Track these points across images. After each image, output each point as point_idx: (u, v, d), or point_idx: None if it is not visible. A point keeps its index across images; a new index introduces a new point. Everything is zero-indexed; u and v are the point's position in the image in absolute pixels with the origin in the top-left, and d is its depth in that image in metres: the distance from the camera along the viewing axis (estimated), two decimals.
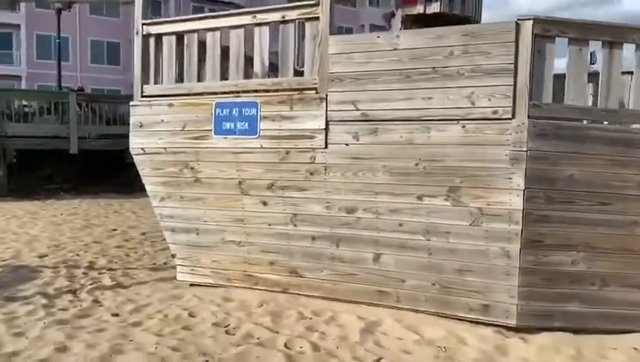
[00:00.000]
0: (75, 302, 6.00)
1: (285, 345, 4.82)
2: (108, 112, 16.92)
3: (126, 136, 6.55)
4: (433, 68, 5.03)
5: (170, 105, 6.25)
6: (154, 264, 7.93)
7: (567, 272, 5.00)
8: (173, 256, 6.75)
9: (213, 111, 6.02)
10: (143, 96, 6.45)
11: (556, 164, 4.80)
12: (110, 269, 7.52)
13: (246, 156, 5.91)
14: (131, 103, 6.53)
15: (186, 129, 6.18)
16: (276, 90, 5.77)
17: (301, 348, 4.77)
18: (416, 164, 5.16)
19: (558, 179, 4.82)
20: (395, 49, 5.17)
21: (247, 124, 5.86)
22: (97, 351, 4.60)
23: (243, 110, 5.87)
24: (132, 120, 6.50)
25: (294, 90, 5.67)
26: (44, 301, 5.95)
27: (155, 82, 6.44)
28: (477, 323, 5.28)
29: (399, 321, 5.35)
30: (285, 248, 6.00)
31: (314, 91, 5.55)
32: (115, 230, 10.49)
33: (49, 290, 6.42)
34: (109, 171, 16.81)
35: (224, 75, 6.11)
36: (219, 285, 6.49)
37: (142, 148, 6.46)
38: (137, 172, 6.63)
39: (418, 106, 5.11)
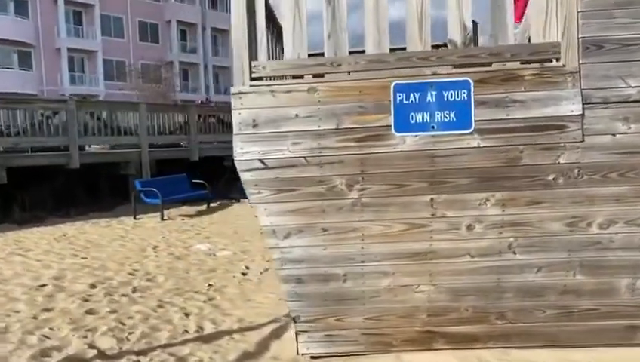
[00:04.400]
0: None
1: None
2: None
3: None
4: None
5: (312, 90, 3.90)
6: (186, 331, 5.25)
7: None
8: (294, 319, 4.33)
9: (391, 98, 3.88)
10: (253, 79, 3.95)
11: None
12: (137, 353, 4.73)
13: (450, 161, 3.90)
14: (233, 91, 3.96)
15: (342, 127, 3.91)
16: (490, 63, 3.89)
17: None
18: None
19: None
20: None
21: (453, 114, 3.85)
22: None
23: (445, 94, 3.85)
24: (237, 117, 3.94)
25: (525, 62, 3.87)
26: None
27: (272, 56, 4.00)
28: None
29: None
30: (492, 287, 4.14)
31: (559, 63, 3.83)
32: (44, 285, 7.07)
33: None
34: None
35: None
36: (368, 352, 4.32)
37: (260, 161, 3.96)
38: None
39: None
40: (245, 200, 16.02)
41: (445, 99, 3.83)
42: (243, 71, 3.91)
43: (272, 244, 4.10)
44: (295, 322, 4.31)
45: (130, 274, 7.53)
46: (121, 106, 15.61)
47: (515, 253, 4.04)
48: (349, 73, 3.91)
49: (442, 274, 4.12)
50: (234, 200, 16.09)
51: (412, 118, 3.85)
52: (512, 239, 4.01)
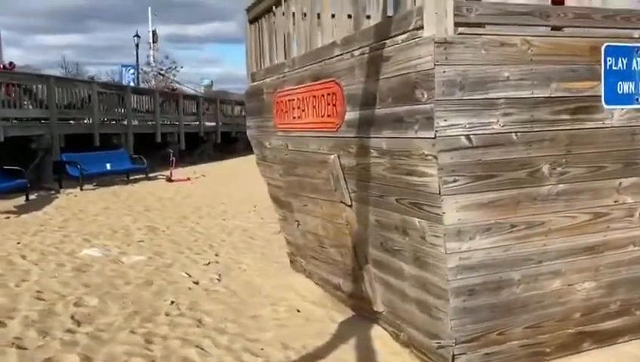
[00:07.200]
0: None
1: None
2: None
3: None
4: None
5: (525, 45, 2.93)
6: None
7: None
8: (456, 341, 3.30)
9: (602, 61, 3.14)
10: (460, 24, 2.80)
11: None
12: None
13: None
14: (436, 38, 2.73)
15: (555, 95, 3.03)
16: None
17: None
18: None
19: None
20: None
21: None
22: None
23: None
24: (440, 75, 2.73)
25: None
26: None
27: None
28: None
29: None
30: (639, 278, 3.77)
31: None
32: None
33: None
34: None
35: None
36: None
37: (467, 137, 2.84)
38: None
39: None
40: (71, 190, 13.14)
41: None
42: (446, 11, 2.76)
43: (454, 248, 3.04)
44: (456, 344, 3.31)
45: (38, 298, 5.31)
46: None
47: None
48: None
49: (606, 268, 3.58)
50: (53, 191, 13.17)
51: (620, 88, 3.19)
52: None
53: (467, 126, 2.82)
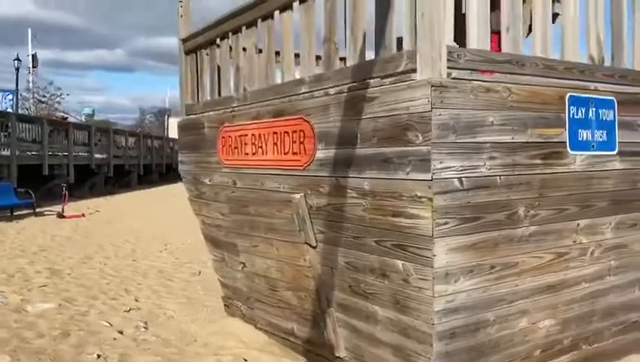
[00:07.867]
0: None
1: None
2: None
3: None
4: None
5: (507, 91, 3.03)
6: None
7: None
8: None
9: (566, 110, 3.33)
10: (451, 69, 2.83)
11: None
12: None
13: (601, 183, 3.58)
14: (432, 81, 2.71)
15: (531, 140, 3.16)
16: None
17: None
18: None
19: None
20: None
21: (604, 134, 3.55)
22: None
23: (600, 112, 3.53)
24: (436, 118, 2.72)
25: None
26: None
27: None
28: None
29: None
30: (588, 312, 3.97)
31: None
32: None
33: None
34: None
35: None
36: None
37: (459, 179, 2.85)
38: None
39: None
40: None
41: (600, 117, 3.53)
42: (441, 55, 2.79)
43: (441, 292, 3.03)
44: None
45: None
46: None
47: (610, 276, 3.98)
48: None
49: (563, 305, 3.75)
50: None
51: (580, 135, 3.41)
52: (612, 262, 3.94)
53: (459, 168, 2.85)
